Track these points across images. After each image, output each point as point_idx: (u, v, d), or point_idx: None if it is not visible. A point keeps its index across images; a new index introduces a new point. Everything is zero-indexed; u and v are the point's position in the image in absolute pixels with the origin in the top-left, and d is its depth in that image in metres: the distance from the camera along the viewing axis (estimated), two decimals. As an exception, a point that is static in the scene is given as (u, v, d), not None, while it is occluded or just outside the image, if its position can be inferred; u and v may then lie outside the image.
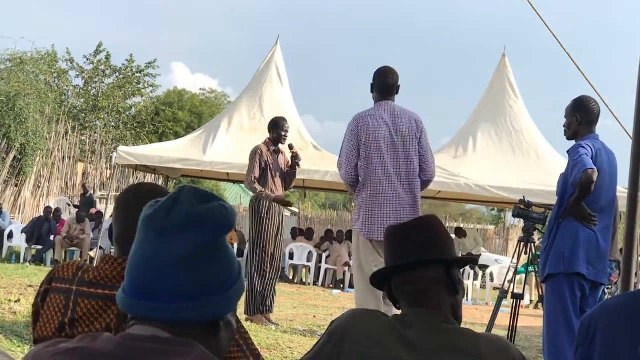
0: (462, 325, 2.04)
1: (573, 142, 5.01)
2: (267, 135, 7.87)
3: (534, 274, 9.88)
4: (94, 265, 2.04)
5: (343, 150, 5.41)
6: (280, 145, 7.81)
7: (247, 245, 11.54)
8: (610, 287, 10.70)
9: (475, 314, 10.97)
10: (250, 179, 7.54)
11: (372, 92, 5.57)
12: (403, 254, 2.03)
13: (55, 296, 1.98)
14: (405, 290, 2.04)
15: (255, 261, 7.52)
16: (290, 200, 8.24)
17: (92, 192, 20.20)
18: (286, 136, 7.83)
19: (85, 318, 1.93)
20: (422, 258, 2.01)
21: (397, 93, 5.56)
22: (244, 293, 7.36)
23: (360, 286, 5.32)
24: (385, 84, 5.51)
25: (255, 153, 7.62)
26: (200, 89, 43.98)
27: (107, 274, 1.95)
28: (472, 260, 2.31)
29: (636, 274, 6.58)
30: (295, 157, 7.88)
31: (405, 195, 5.30)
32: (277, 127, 7.74)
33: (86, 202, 18.30)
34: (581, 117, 5.00)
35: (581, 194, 4.68)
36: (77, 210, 16.75)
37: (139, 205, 2.04)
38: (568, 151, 4.96)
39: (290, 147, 7.96)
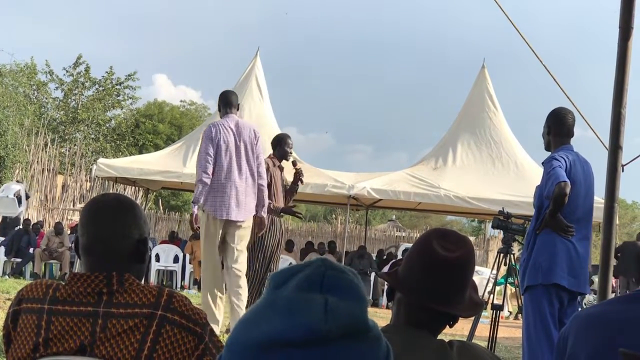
0: (442, 337, 2.03)
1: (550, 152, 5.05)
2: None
3: (512, 284, 9.94)
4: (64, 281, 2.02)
5: (202, 150, 6.63)
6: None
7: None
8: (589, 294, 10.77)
9: (455, 325, 10.99)
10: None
11: (219, 110, 6.89)
12: (429, 292, 1.95)
13: (27, 317, 1.96)
14: (407, 308, 1.98)
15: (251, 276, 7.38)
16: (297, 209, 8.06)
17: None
18: (291, 152, 7.80)
19: (60, 336, 1.91)
20: (445, 311, 1.98)
21: (237, 109, 6.88)
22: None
23: (205, 255, 6.67)
24: (229, 100, 6.81)
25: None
26: (181, 101, 43.75)
27: (80, 291, 1.94)
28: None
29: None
30: (299, 173, 7.86)
31: (245, 185, 6.64)
32: (282, 144, 7.65)
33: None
34: (552, 127, 5.05)
35: (555, 206, 4.72)
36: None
37: (105, 215, 2.04)
38: (543, 163, 5.00)
39: (294, 163, 7.89)
